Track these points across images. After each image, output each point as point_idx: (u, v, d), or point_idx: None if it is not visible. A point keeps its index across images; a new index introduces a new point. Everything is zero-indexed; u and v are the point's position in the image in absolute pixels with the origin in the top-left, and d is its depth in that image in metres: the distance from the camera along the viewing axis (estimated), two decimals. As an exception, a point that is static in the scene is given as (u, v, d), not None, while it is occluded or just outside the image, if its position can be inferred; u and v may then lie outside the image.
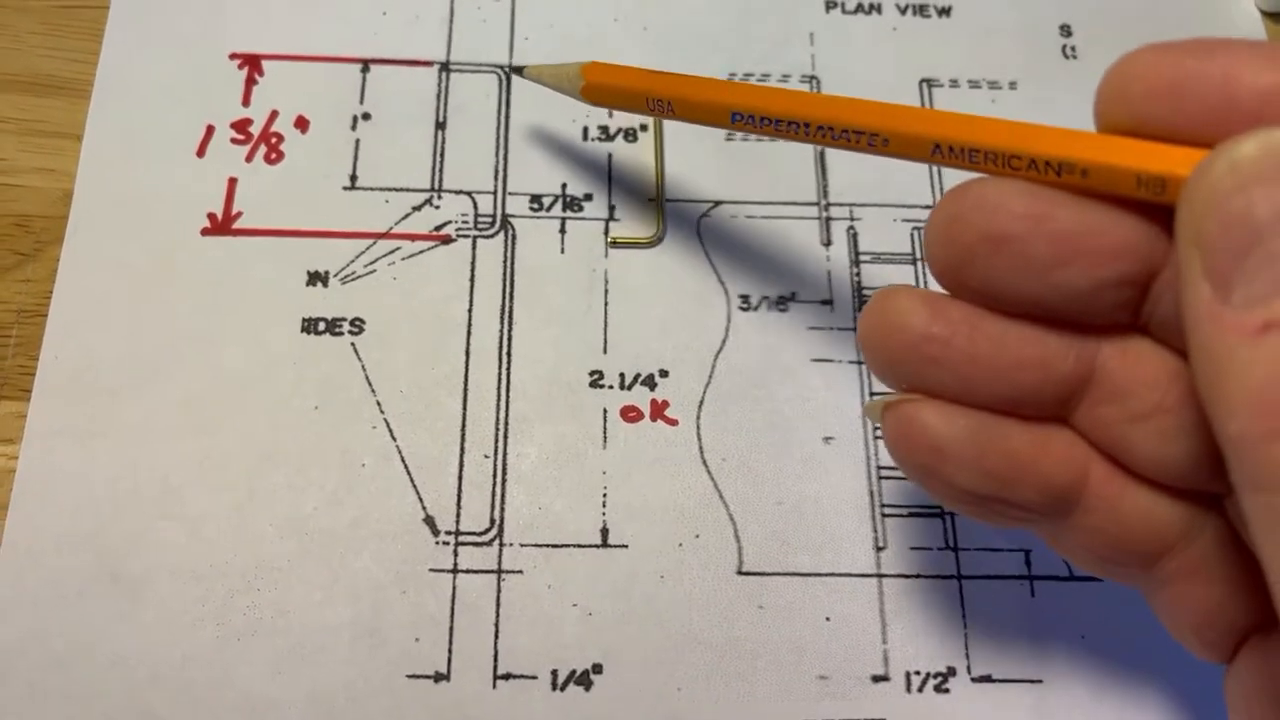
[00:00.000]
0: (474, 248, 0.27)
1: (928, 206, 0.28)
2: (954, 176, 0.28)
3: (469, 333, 0.26)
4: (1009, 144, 0.18)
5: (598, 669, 0.23)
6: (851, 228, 0.28)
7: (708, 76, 0.24)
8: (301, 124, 0.28)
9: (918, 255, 0.28)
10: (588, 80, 0.25)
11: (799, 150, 0.29)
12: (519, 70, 0.29)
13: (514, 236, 0.27)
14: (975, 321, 0.18)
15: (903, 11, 0.31)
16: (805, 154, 0.29)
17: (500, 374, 0.26)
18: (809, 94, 0.24)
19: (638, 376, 0.26)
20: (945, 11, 0.31)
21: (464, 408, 0.25)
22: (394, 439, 0.25)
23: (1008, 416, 0.19)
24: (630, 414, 0.26)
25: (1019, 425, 0.19)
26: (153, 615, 0.23)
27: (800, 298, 0.27)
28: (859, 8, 0.31)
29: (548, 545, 0.24)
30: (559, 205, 0.28)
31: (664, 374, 0.26)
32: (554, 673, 0.23)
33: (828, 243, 0.28)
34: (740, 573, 0.24)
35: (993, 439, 0.18)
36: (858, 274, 0.27)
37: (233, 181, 0.27)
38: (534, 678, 0.23)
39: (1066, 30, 0.31)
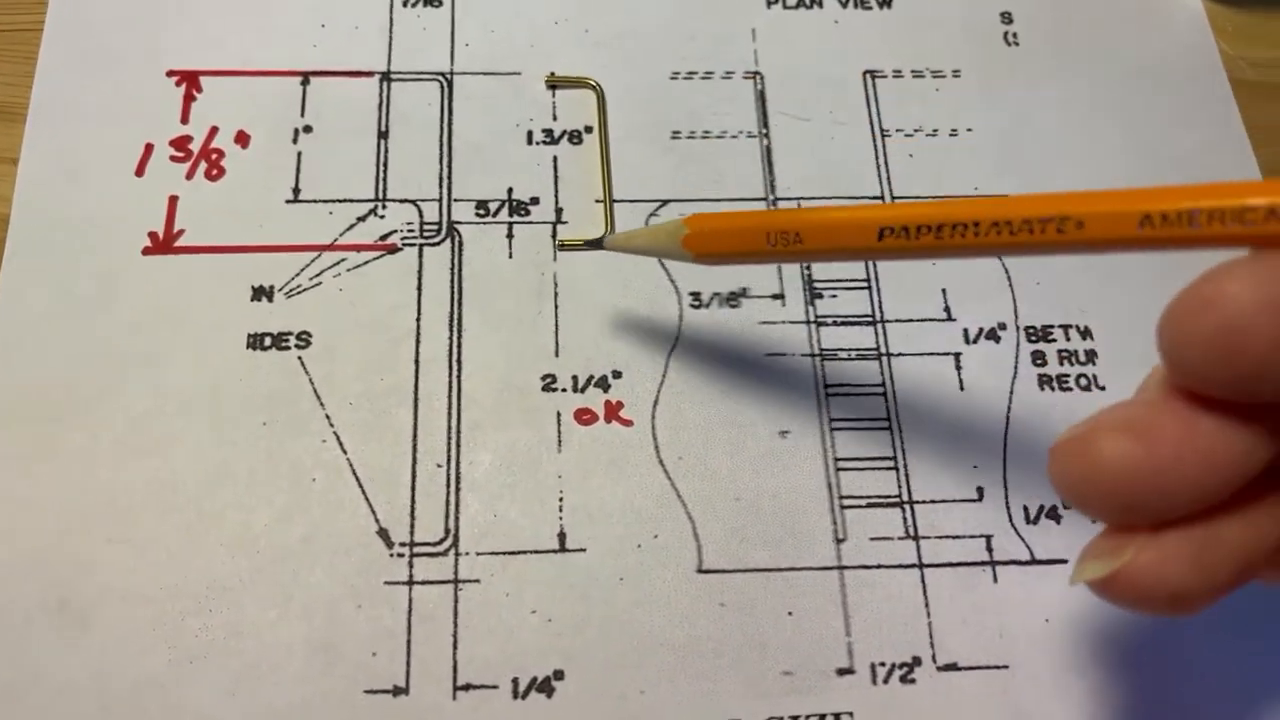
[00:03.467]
0: (420, 256, 0.27)
1: (875, 197, 0.28)
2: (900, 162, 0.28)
3: (418, 341, 0.26)
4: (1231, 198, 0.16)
5: (559, 675, 0.23)
6: (800, 220, 0.28)
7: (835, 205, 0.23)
8: (242, 139, 0.28)
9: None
10: (692, 230, 0.22)
11: (745, 146, 0.29)
12: (598, 243, 0.26)
13: (460, 243, 0.27)
14: (1188, 437, 0.17)
15: (844, 5, 0.31)
16: (752, 150, 0.28)
17: (451, 382, 0.25)
18: (970, 199, 0.20)
19: (591, 378, 0.26)
20: (886, 3, 0.31)
21: (415, 417, 0.25)
22: (344, 452, 0.25)
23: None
24: (584, 416, 0.25)
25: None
26: (102, 641, 0.23)
27: (751, 293, 0.27)
28: (800, 3, 0.31)
29: (504, 553, 0.24)
30: (506, 210, 0.27)
31: (617, 375, 0.26)
32: (515, 681, 0.23)
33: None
34: (700, 571, 0.24)
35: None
36: (808, 267, 0.27)
37: (173, 200, 0.27)
38: (495, 687, 0.23)
39: (1007, 17, 0.31)
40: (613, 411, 0.25)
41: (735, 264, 0.26)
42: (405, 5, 0.30)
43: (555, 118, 0.29)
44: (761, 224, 0.21)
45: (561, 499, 0.24)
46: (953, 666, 0.24)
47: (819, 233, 0.20)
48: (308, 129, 0.28)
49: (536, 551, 0.24)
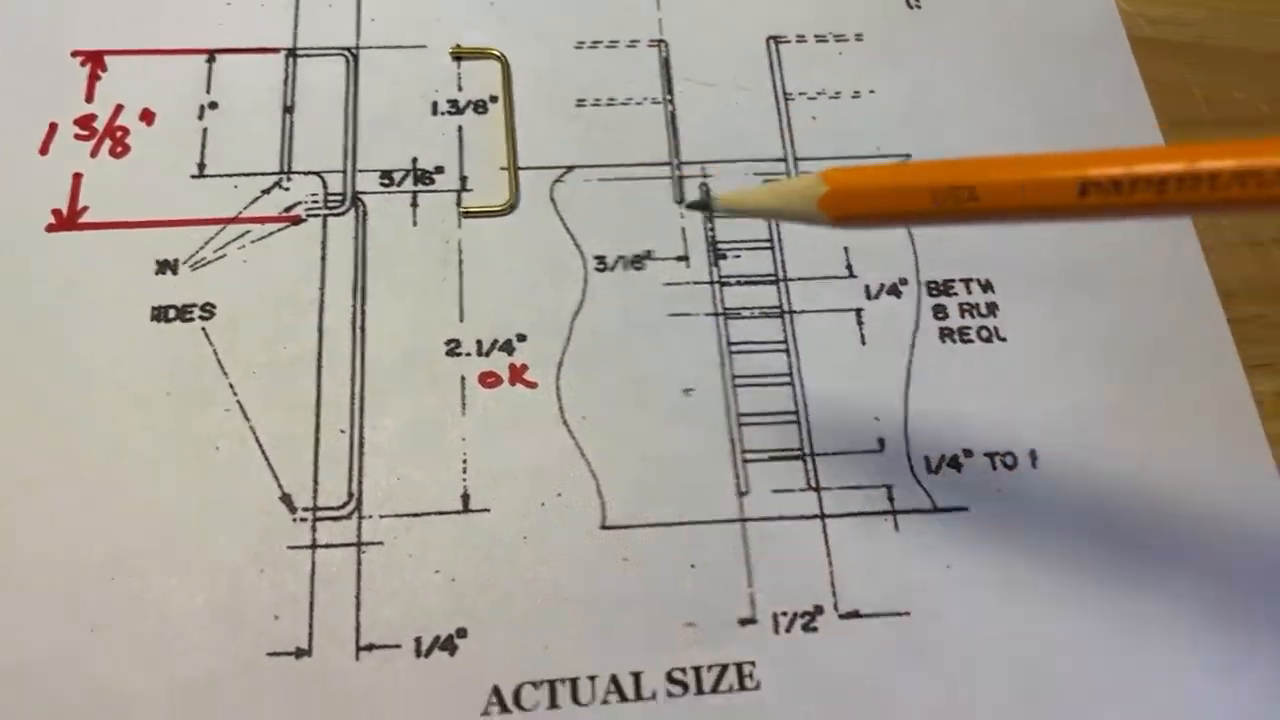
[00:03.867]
0: (324, 227, 0.27)
1: (779, 159, 0.28)
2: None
3: (321, 311, 0.26)
4: None
5: (462, 633, 0.23)
6: (704, 184, 0.28)
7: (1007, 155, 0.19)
8: (147, 117, 0.28)
9: (771, 206, 0.28)
10: (832, 187, 0.19)
11: (650, 113, 0.29)
12: (702, 207, 0.24)
13: (365, 213, 0.27)
14: None
15: (753, -31, 0.31)
16: (656, 116, 0.29)
17: (354, 349, 0.26)
18: (1192, 145, 0.17)
19: (495, 343, 0.26)
20: (791, -30, 0.31)
21: (318, 385, 0.25)
22: (248, 420, 0.25)
23: None
24: (489, 380, 0.26)
25: None
26: (3, 613, 0.23)
27: (656, 255, 0.27)
28: (705, -31, 0.31)
29: (408, 515, 0.24)
30: (410, 179, 0.28)
31: (522, 338, 0.26)
32: (418, 640, 0.23)
33: (681, 200, 0.28)
34: (604, 527, 0.24)
35: None
36: (712, 229, 0.28)
37: (78, 177, 0.27)
38: (397, 646, 0.23)
39: (911, -19, 0.31)
40: (517, 374, 0.26)
41: (881, 227, 0.22)
42: (311, -18, 0.30)
43: (460, 89, 0.29)
44: (924, 179, 0.18)
45: (465, 461, 0.25)
46: (854, 614, 0.24)
47: (1001, 189, 0.18)
48: (213, 105, 0.28)
49: (440, 513, 0.24)
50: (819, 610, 0.24)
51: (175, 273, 0.26)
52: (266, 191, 0.27)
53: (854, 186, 0.19)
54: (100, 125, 0.28)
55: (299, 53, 0.29)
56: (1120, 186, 0.17)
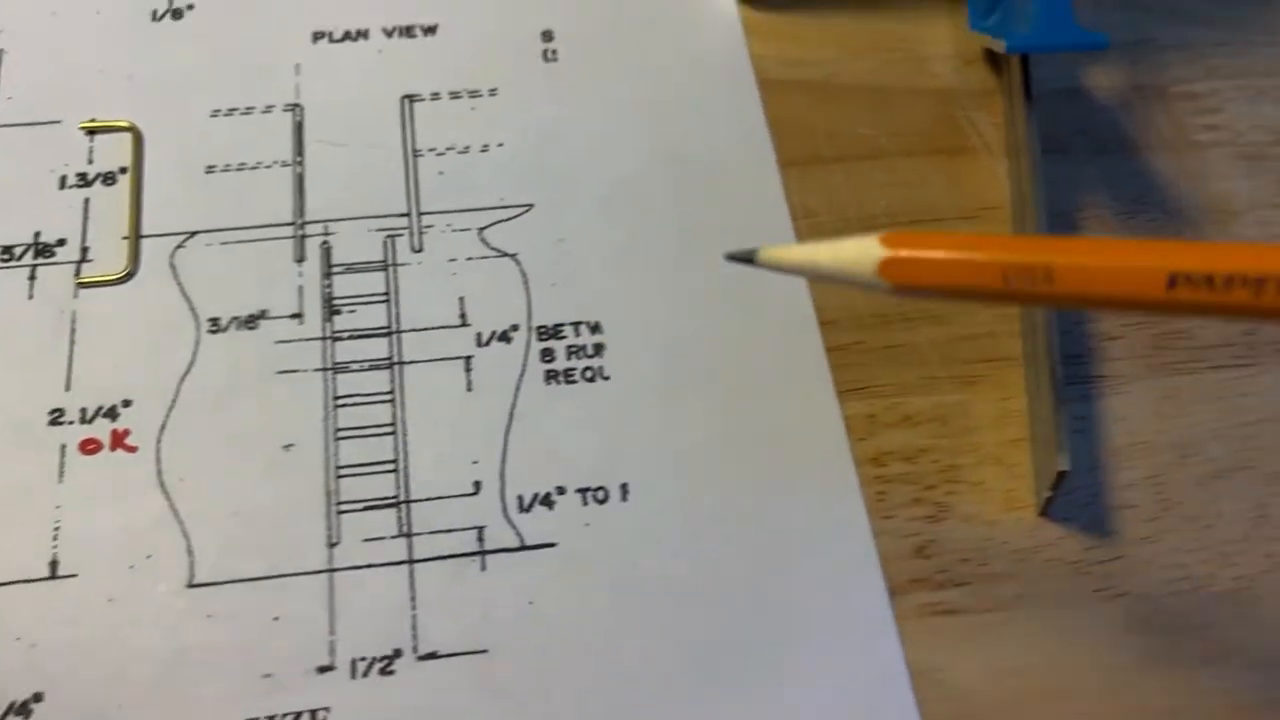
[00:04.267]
0: (-63, 304, 0.27)
1: (403, 214, 0.29)
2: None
3: (-76, 387, 0.26)
4: None
5: (38, 698, 0.24)
6: (325, 242, 0.29)
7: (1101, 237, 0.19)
8: None
9: (388, 261, 0.29)
10: (891, 254, 0.18)
11: (278, 175, 0.30)
12: (745, 260, 0.22)
13: (-20, 289, 0.28)
14: None
15: (389, 34, 0.32)
16: (285, 178, 0.30)
17: (-44, 423, 0.26)
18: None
19: (100, 409, 0.26)
20: (431, 30, 0.32)
21: (-85, 460, 0.26)
22: None
23: None
24: (89, 446, 0.26)
25: None
26: None
27: (270, 314, 0.28)
28: (346, 35, 0.32)
29: (-7, 585, 0.25)
30: (31, 254, 0.28)
31: (127, 404, 0.27)
32: (-9, 708, 0.24)
33: (301, 259, 0.29)
34: (191, 586, 0.25)
35: None
36: (329, 285, 0.28)
37: None
38: (-31, 716, 0.23)
39: (548, 35, 0.32)
40: (118, 439, 0.26)
41: (946, 300, 0.20)
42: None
43: (91, 161, 0.30)
44: (995, 255, 0.17)
45: (58, 528, 0.25)
46: (432, 655, 0.24)
47: (1080, 274, 0.16)
48: None
49: (25, 581, 0.25)
50: (398, 654, 0.24)
51: None
52: (-117, 272, 0.28)
53: (915, 257, 0.18)
54: None
55: (-65, 134, 0.30)
56: (1213, 283, 0.16)
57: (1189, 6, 0.34)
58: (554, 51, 0.32)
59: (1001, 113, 0.32)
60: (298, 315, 0.28)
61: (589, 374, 0.28)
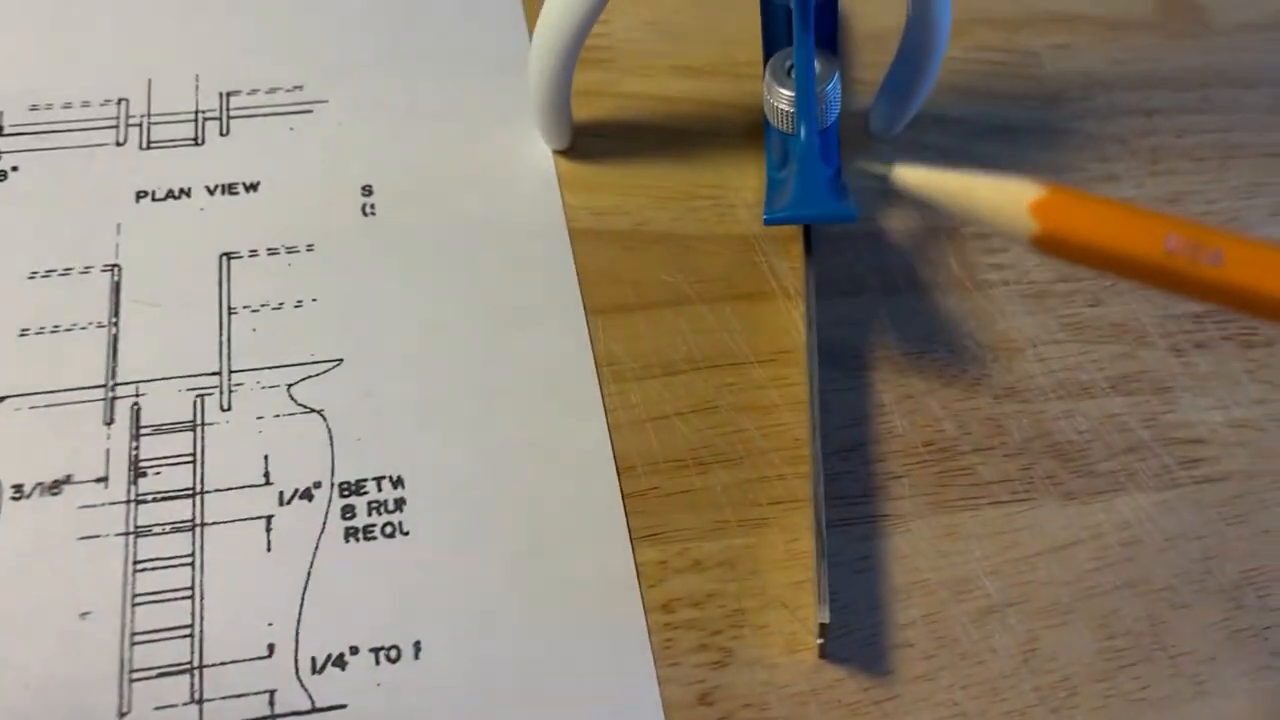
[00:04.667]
0: None
1: (214, 373, 0.30)
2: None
3: None
4: None
5: None
6: (136, 404, 0.30)
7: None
8: None
9: (196, 421, 0.30)
10: (1051, 197, 0.17)
11: (94, 336, 0.30)
12: (883, 174, 0.21)
13: None
14: None
15: (212, 192, 0.33)
16: (98, 340, 0.30)
17: None
18: None
19: (-104, 582, 0.27)
20: (254, 187, 0.34)
21: None
22: None
23: None
24: (-118, 621, 0.26)
25: None
26: None
27: (75, 479, 0.28)
28: (169, 194, 0.33)
29: None
30: None
31: (-77, 577, 0.27)
32: None
33: (110, 421, 0.29)
34: (-23, 762, 0.25)
35: None
36: (136, 447, 0.29)
37: None
38: None
39: (368, 190, 0.34)
40: (-88, 613, 0.27)
41: (1087, 266, 0.18)
42: None
43: (-98, 326, 0.30)
44: (1162, 225, 0.16)
45: None
46: (217, 824, 0.25)
47: (1254, 265, 0.15)
48: None
49: None
50: (182, 825, 0.25)
51: None
52: None
53: (1074, 205, 0.17)
54: None
55: None
56: None
57: (980, 150, 0.36)
58: (373, 206, 0.33)
59: (800, 257, 0.34)
60: (103, 479, 0.29)
61: (389, 530, 0.29)
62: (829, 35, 0.30)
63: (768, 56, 0.32)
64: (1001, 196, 0.18)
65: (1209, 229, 0.16)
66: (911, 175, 0.20)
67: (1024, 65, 0.38)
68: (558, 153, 0.35)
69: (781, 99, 0.30)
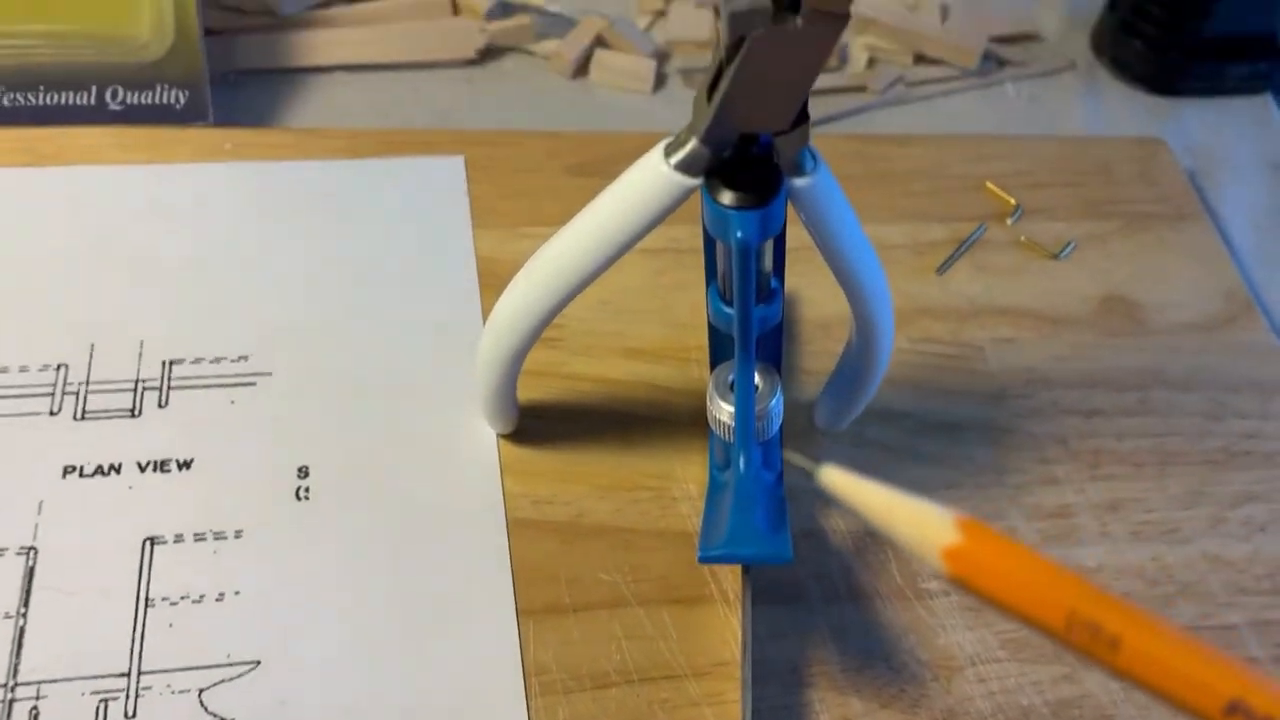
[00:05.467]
0: None
1: (122, 674, 0.29)
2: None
3: None
4: None
5: None
6: (34, 708, 0.28)
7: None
8: None
9: (98, 728, 0.28)
10: (967, 542, 0.18)
11: (1, 628, 0.29)
12: (808, 473, 0.21)
13: None
14: None
15: (143, 469, 0.33)
16: (3, 633, 0.29)
17: None
18: None
19: None
20: (187, 464, 0.33)
21: None
22: None
23: None
24: None
25: None
26: None
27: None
28: (99, 470, 0.32)
29: None
30: None
31: None
32: None
33: (7, 729, 0.28)
34: None
35: None
36: None
37: None
38: None
39: (304, 471, 0.33)
40: None
41: (998, 611, 0.19)
42: None
43: None
44: (1067, 596, 0.16)
45: None
46: None
47: (1146, 661, 0.16)
48: None
49: None
50: None
51: None
52: None
53: (988, 557, 0.17)
54: None
55: None
56: None
57: (923, 447, 0.36)
58: (307, 490, 0.33)
59: (741, 558, 0.33)
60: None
61: None
62: (773, 355, 0.31)
63: (714, 362, 0.32)
64: (918, 532, 0.18)
65: (1113, 605, 0.16)
66: (837, 480, 0.20)
67: (969, 359, 0.39)
68: (502, 436, 0.35)
69: (723, 412, 0.30)
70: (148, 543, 0.31)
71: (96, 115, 0.42)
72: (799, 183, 0.26)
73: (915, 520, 0.19)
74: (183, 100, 0.42)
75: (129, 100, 0.42)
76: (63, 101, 0.41)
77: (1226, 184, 0.49)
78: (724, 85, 0.24)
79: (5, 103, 0.41)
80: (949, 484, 0.36)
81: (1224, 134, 0.51)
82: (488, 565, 0.32)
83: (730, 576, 0.33)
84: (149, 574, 0.30)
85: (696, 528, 0.34)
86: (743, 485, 0.28)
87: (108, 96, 0.42)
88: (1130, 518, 0.36)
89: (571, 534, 0.33)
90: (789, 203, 0.27)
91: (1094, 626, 0.16)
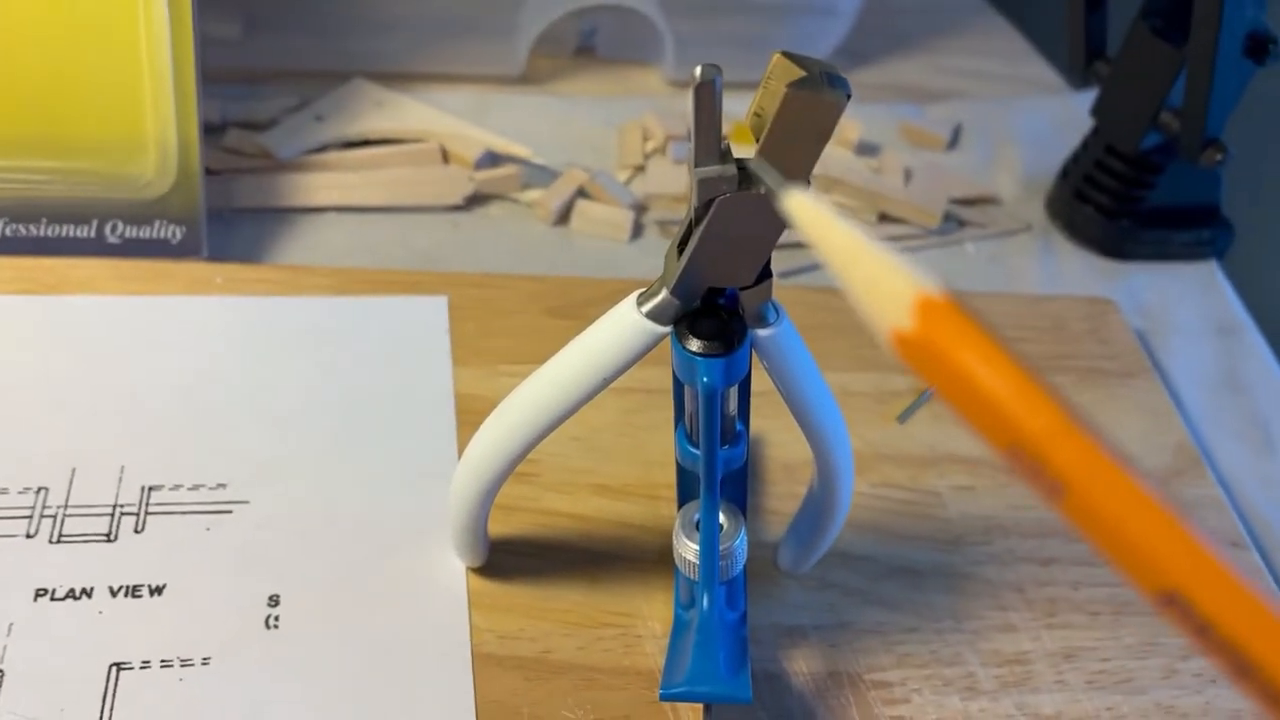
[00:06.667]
0: None
1: None
2: None
3: None
4: None
5: None
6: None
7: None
8: None
9: None
10: (924, 320, 0.15)
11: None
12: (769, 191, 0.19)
13: None
14: None
15: (115, 594, 0.33)
16: (-38, 757, 0.29)
17: None
18: None
19: None
20: (159, 590, 0.33)
21: None
22: None
23: None
24: None
25: None
26: None
27: None
28: (70, 593, 0.33)
29: None
30: None
31: None
32: None
33: None
34: None
35: None
36: None
37: None
38: None
39: (274, 600, 0.34)
40: None
41: (938, 391, 0.16)
42: None
43: None
44: (1019, 412, 0.14)
45: None
46: None
47: (1091, 519, 0.14)
48: None
49: None
50: None
51: None
52: None
53: (945, 354, 0.15)
54: None
55: None
56: (1206, 634, 0.14)
57: (884, 591, 0.37)
58: (277, 619, 0.33)
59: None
60: None
61: None
62: (738, 496, 0.32)
63: (682, 500, 0.33)
64: (872, 298, 0.16)
65: (1068, 439, 0.15)
66: (802, 208, 0.18)
67: (928, 505, 0.40)
68: (472, 569, 0.35)
69: (688, 550, 0.31)
70: (114, 669, 0.31)
71: (95, 247, 0.43)
72: (762, 333, 0.28)
73: (873, 281, 0.16)
74: (179, 236, 0.44)
75: (127, 234, 0.44)
76: (63, 234, 0.43)
77: (1175, 345, 0.51)
78: (693, 243, 0.26)
79: (7, 233, 0.43)
80: (908, 628, 0.36)
81: (1171, 297, 0.54)
82: (452, 701, 0.32)
83: (692, 715, 0.33)
84: (113, 701, 0.31)
85: (660, 666, 0.34)
86: (706, 624, 0.29)
87: (107, 230, 0.44)
88: (1086, 666, 0.36)
89: (536, 670, 0.34)
90: (753, 351, 0.29)
91: (1037, 466, 0.14)
